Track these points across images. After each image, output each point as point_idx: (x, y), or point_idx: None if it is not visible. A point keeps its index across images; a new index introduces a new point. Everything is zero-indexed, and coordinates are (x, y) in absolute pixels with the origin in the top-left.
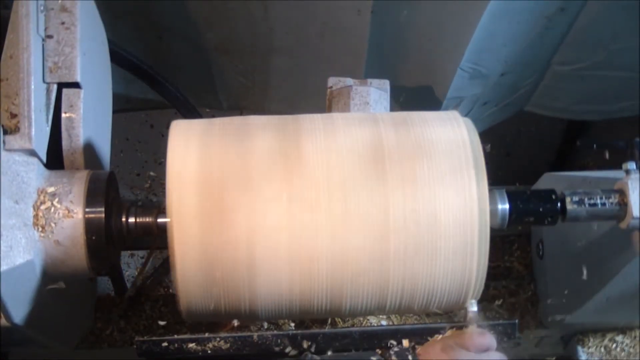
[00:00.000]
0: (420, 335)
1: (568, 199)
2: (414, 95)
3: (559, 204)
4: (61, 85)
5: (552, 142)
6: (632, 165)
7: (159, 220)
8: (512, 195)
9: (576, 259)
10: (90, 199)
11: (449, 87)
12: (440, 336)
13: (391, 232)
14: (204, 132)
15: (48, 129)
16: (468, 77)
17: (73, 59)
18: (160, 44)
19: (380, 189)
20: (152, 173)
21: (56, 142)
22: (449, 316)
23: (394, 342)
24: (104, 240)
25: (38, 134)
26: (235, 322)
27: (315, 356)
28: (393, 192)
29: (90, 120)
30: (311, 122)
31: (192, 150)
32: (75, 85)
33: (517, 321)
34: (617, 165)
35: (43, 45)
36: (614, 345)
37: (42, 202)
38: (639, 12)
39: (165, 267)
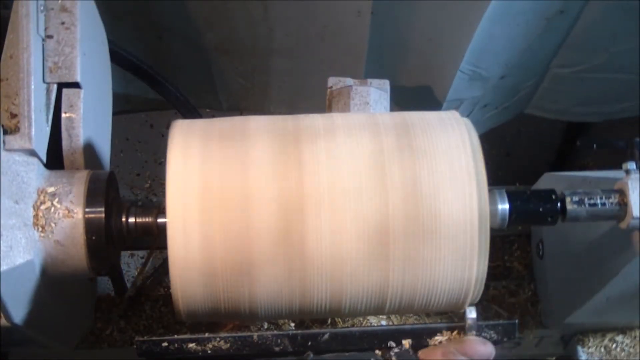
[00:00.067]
0: (420, 335)
1: (568, 199)
2: (414, 97)
3: (559, 204)
4: (61, 85)
5: (552, 142)
6: (632, 165)
7: (159, 220)
8: (512, 195)
9: (576, 259)
10: (90, 199)
11: (449, 89)
12: (441, 338)
13: (391, 233)
14: (205, 132)
15: (48, 129)
16: (468, 79)
17: (73, 59)
18: (160, 44)
19: (379, 190)
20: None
21: (56, 142)
22: (449, 316)
23: (394, 343)
24: (104, 240)
25: (38, 134)
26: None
27: (315, 356)
28: (393, 192)
29: (90, 120)
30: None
31: (193, 150)
32: (75, 85)
33: (517, 321)
34: (617, 165)
35: (43, 45)
36: (614, 345)
37: (42, 202)
38: (639, 13)
39: (165, 267)
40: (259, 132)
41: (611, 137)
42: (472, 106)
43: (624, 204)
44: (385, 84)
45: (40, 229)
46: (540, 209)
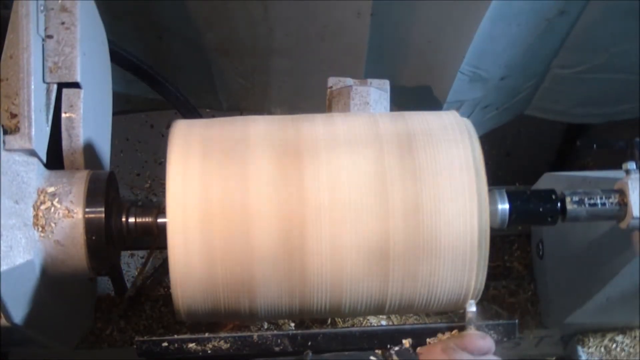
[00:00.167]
0: (420, 336)
1: (568, 199)
2: (414, 98)
3: (559, 204)
4: (61, 85)
5: (552, 142)
6: (632, 165)
7: (159, 220)
8: (512, 195)
9: (576, 259)
10: (90, 199)
11: (449, 90)
12: (441, 336)
13: (391, 232)
14: (205, 132)
15: (48, 129)
16: (468, 80)
17: (73, 59)
18: (160, 44)
19: (381, 212)
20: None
21: (56, 142)
22: (449, 316)
23: (394, 343)
24: (104, 240)
25: (38, 134)
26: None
27: (315, 356)
28: (392, 192)
29: (90, 120)
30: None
31: (194, 150)
32: (75, 85)
33: (517, 321)
34: (617, 165)
35: (43, 45)
36: (614, 345)
37: (42, 202)
38: (639, 14)
39: (165, 267)
40: (259, 138)
41: (611, 138)
42: (473, 107)
43: (624, 204)
44: (385, 84)
45: (40, 229)
46: (540, 209)
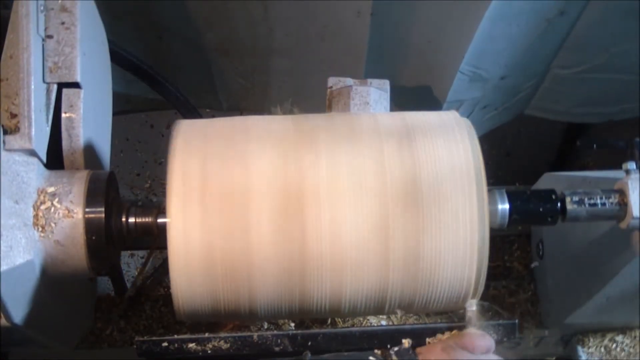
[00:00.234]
0: (420, 336)
1: (568, 199)
2: (414, 98)
3: (559, 204)
4: (61, 85)
5: (552, 142)
6: (632, 165)
7: (159, 220)
8: (512, 195)
9: (576, 259)
10: (90, 199)
11: (449, 90)
12: (441, 336)
13: (390, 233)
14: (206, 132)
15: (48, 129)
16: (468, 80)
17: (73, 59)
18: (160, 44)
19: (380, 205)
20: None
21: (56, 142)
22: (449, 316)
23: (394, 343)
24: (104, 240)
25: (38, 134)
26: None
27: (314, 356)
28: (393, 206)
29: (90, 120)
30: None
31: (195, 151)
32: (75, 85)
33: (517, 321)
34: (617, 165)
35: (43, 45)
36: (614, 345)
37: (42, 202)
38: (639, 14)
39: (165, 267)
40: (261, 139)
41: (611, 138)
42: (472, 107)
43: (624, 204)
44: (385, 83)
45: (40, 229)
46: (540, 209)
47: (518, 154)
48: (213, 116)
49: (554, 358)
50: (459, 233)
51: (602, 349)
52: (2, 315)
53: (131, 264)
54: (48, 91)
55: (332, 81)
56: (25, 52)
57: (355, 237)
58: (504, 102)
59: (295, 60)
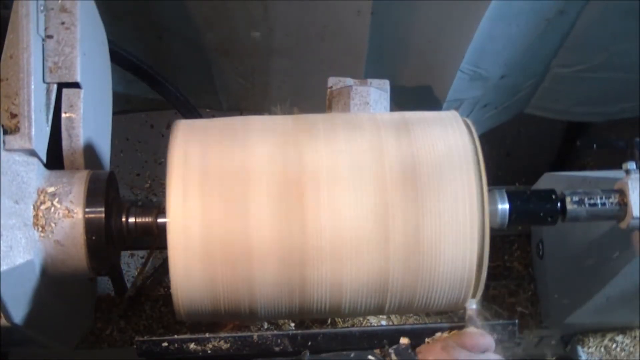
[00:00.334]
0: (420, 335)
1: (568, 199)
2: (414, 97)
3: (559, 204)
4: (61, 85)
5: (552, 142)
6: (632, 165)
7: (159, 220)
8: (512, 195)
9: (576, 259)
10: (90, 199)
11: (449, 89)
12: (440, 335)
13: (390, 232)
14: (206, 133)
15: (48, 129)
16: (468, 79)
17: (73, 59)
18: (160, 44)
19: (379, 190)
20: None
21: (56, 142)
22: (449, 316)
23: (394, 343)
24: (104, 240)
25: (38, 134)
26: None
27: (314, 356)
28: (393, 192)
29: (90, 120)
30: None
31: (194, 151)
32: (75, 85)
33: (517, 321)
34: (617, 165)
35: (43, 45)
36: (614, 345)
37: (42, 202)
38: (639, 13)
39: (165, 267)
40: (259, 134)
41: (611, 137)
42: (472, 106)
43: (624, 204)
44: (385, 83)
45: (40, 229)
46: (540, 209)
47: (518, 154)
48: (213, 116)
49: (554, 358)
50: (458, 217)
51: (602, 349)
52: (2, 315)
53: (131, 264)
54: (48, 91)
55: (332, 81)
56: (25, 52)
57: (356, 221)
58: (504, 101)
59: (295, 60)
